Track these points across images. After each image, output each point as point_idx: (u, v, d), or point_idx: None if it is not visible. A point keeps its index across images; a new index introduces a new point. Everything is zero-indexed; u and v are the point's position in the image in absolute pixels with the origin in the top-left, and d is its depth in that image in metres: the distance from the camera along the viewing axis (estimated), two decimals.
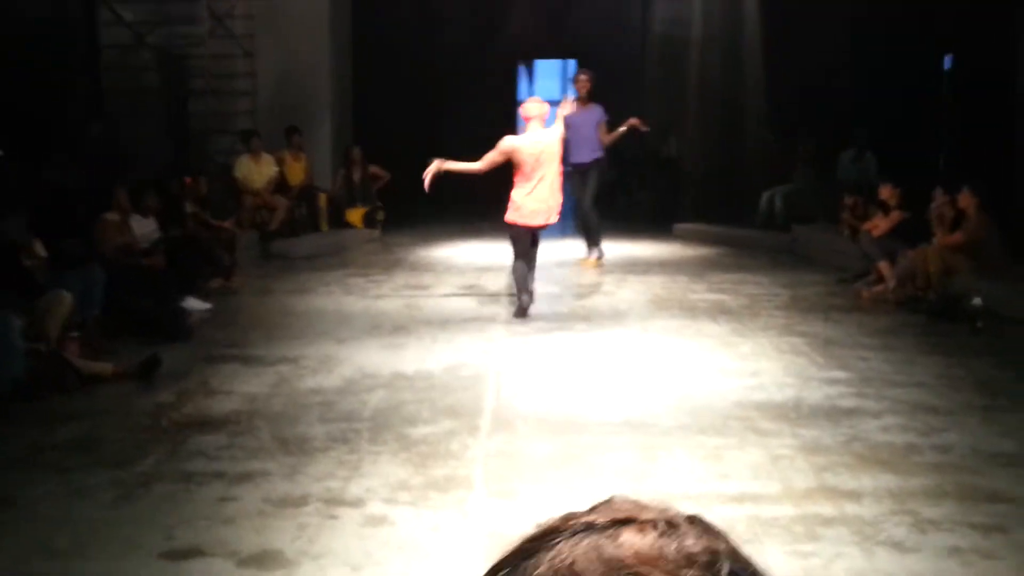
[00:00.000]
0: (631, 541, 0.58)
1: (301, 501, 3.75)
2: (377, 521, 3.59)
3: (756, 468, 4.10)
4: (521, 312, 6.97)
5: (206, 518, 3.62)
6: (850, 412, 4.82)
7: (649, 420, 4.72)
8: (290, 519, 3.60)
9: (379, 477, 3.99)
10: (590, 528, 0.60)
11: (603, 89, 9.08)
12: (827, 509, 3.67)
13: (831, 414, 4.79)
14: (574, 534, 0.60)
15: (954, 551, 3.35)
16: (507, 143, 6.88)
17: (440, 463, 4.14)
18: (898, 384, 5.28)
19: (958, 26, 10.25)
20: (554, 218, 7.07)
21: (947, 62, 11.06)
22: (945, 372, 5.53)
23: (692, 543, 0.58)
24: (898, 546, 3.39)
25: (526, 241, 6.99)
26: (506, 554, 0.62)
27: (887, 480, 3.95)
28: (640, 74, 14.00)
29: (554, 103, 7.28)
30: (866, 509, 3.67)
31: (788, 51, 10.73)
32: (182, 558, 3.31)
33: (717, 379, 5.44)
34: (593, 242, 9.18)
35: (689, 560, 0.57)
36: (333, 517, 3.62)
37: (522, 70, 16.43)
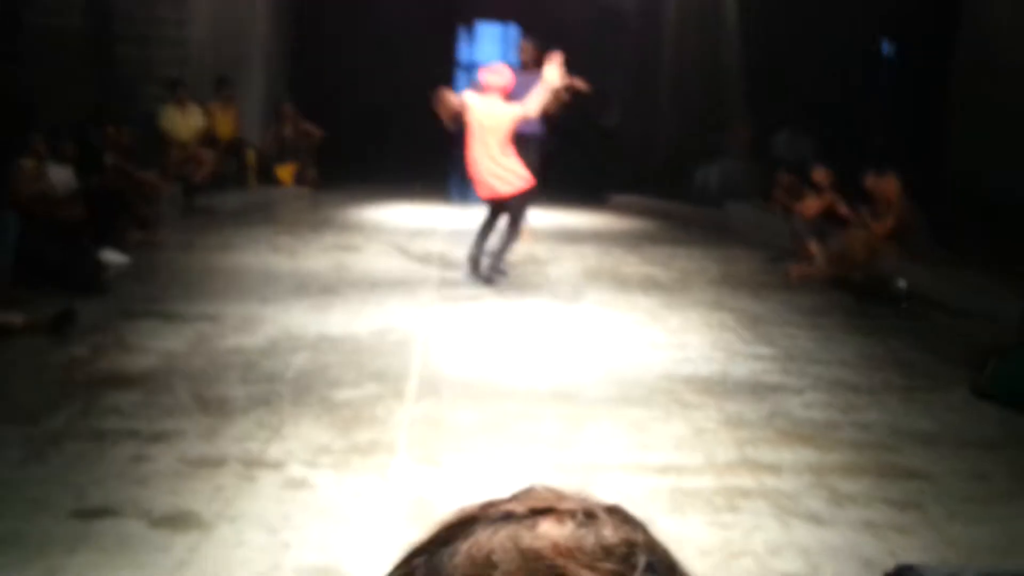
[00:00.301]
0: (549, 532, 0.58)
1: (218, 462, 3.65)
2: (297, 484, 3.51)
3: (680, 440, 4.12)
4: (470, 266, 7.02)
5: (119, 477, 3.50)
6: (774, 388, 4.87)
7: (576, 390, 4.72)
8: (206, 480, 3.50)
9: (300, 440, 3.90)
10: (509, 517, 0.59)
11: (545, 54, 8.96)
12: (747, 482, 3.71)
13: (755, 389, 4.84)
14: (493, 523, 0.59)
15: (869, 525, 3.41)
16: (465, 95, 7.08)
17: (364, 427, 4.07)
18: (822, 362, 5.36)
19: (899, 11, 10.37)
20: (504, 189, 6.93)
21: (885, 48, 11.21)
22: (868, 352, 5.62)
23: (610, 534, 0.58)
24: (815, 519, 3.44)
25: (489, 209, 7.10)
26: (423, 540, 0.60)
27: (807, 455, 4.01)
28: (583, 40, 13.89)
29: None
30: (785, 483, 3.72)
31: (755, 27, 10.66)
32: (93, 517, 3.20)
33: (645, 352, 5.45)
34: None
35: (606, 552, 0.57)
36: (251, 479, 3.53)
37: (462, 32, 16.21)
